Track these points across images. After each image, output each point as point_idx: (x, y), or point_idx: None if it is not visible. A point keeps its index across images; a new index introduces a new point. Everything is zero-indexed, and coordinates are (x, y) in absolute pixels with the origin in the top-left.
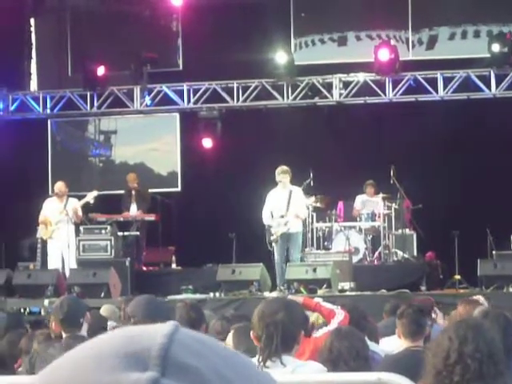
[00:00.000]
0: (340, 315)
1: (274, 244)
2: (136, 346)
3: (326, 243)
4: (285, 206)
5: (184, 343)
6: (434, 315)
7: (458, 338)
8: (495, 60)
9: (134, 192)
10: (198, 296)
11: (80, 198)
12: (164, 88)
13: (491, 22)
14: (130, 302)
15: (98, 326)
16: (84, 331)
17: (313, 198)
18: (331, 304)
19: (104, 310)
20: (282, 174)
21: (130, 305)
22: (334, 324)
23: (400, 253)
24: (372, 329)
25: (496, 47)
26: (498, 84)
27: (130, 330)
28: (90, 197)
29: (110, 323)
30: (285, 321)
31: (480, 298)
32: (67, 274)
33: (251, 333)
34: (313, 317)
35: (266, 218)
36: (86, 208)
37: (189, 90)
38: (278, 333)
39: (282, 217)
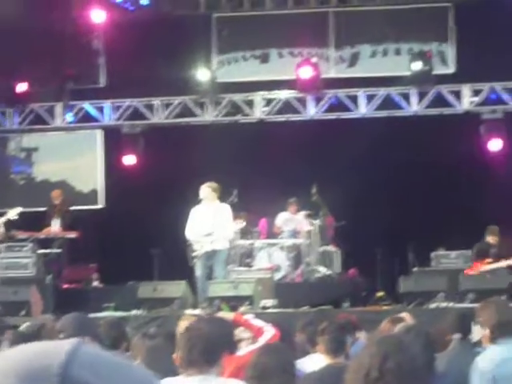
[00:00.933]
0: (269, 333)
1: (196, 260)
2: (39, 363)
3: (248, 260)
4: (210, 223)
5: (85, 361)
6: (358, 334)
7: (379, 355)
8: (416, 78)
9: (57, 209)
10: (119, 314)
11: (0, 215)
12: (86, 105)
13: (412, 41)
14: (57, 320)
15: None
16: (5, 349)
17: (240, 224)
18: (262, 321)
19: (25, 329)
20: (208, 190)
21: (60, 321)
22: (261, 341)
23: (323, 270)
24: (296, 346)
25: (417, 65)
26: (418, 102)
27: (35, 346)
28: (14, 213)
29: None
30: (208, 339)
31: (406, 315)
32: None
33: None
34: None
35: (189, 234)
36: (7, 225)
37: (111, 107)
38: (201, 351)
39: (209, 235)
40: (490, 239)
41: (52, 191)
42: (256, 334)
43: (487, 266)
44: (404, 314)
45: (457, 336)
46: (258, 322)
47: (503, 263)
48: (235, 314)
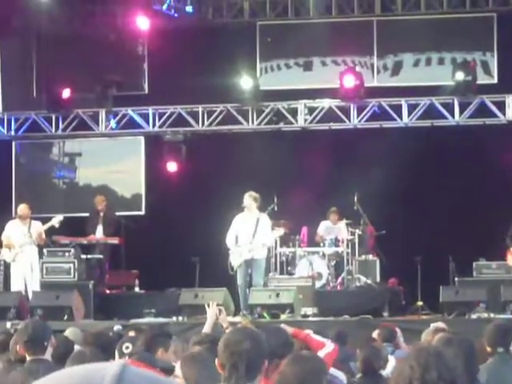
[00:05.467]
0: (329, 348)
1: (237, 268)
2: (94, 381)
3: (289, 268)
4: (251, 233)
5: (131, 380)
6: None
7: (420, 366)
8: (459, 88)
9: (101, 214)
10: (160, 320)
11: (43, 220)
12: (129, 111)
13: (455, 50)
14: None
15: (64, 350)
16: (48, 355)
17: (279, 231)
18: (321, 337)
19: (69, 333)
20: (250, 199)
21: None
22: (320, 354)
23: (363, 278)
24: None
25: (460, 75)
26: (461, 112)
27: (84, 368)
28: (56, 221)
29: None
30: (249, 350)
31: (440, 324)
32: (30, 296)
33: (216, 360)
34: None
35: (230, 242)
36: (50, 230)
37: (154, 114)
38: (243, 362)
39: (248, 243)
40: None
41: (95, 197)
42: (315, 348)
43: None
44: (438, 323)
45: (500, 350)
46: (318, 337)
47: None
48: (294, 329)
